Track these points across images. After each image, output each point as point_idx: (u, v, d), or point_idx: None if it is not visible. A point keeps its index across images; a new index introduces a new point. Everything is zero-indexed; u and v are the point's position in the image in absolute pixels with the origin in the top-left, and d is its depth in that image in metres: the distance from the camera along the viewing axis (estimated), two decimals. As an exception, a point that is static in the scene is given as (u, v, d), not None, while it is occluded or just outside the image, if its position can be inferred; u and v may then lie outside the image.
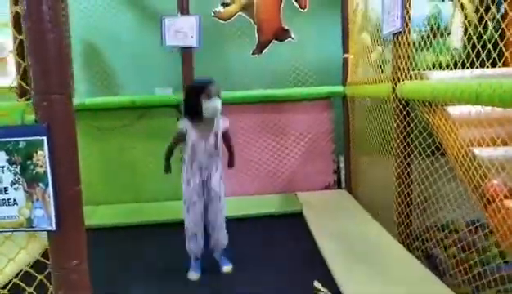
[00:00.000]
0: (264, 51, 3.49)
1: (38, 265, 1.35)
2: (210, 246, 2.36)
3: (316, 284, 2.08)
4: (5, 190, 1.07)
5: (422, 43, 2.51)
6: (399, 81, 2.28)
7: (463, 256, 2.04)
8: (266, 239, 2.82)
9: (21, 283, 1.29)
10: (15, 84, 3.05)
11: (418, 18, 3.18)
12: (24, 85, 2.50)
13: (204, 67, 3.65)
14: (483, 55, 1.75)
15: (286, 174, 3.67)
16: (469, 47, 1.86)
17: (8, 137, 1.06)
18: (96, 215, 3.17)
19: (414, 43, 2.53)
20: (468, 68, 1.96)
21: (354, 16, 3.36)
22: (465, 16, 3.45)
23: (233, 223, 2.77)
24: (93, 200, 3.32)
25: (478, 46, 1.75)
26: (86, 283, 1.14)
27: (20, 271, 1.38)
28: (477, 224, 2.02)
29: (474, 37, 1.80)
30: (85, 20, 3.65)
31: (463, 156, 1.76)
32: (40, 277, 1.21)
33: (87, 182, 1.18)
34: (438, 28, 2.88)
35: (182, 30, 3.41)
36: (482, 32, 2.11)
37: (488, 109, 1.83)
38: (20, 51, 2.82)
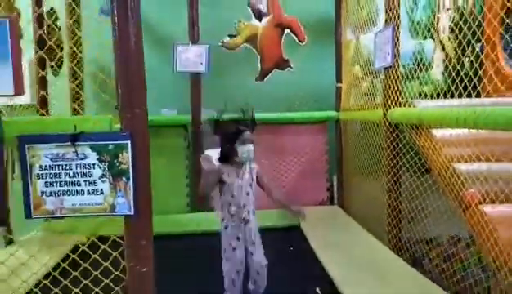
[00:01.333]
0: (266, 78, 3.86)
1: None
2: (249, 288, 2.22)
3: (318, 291, 2.35)
4: (94, 182, 1.37)
5: (409, 75, 2.89)
6: (390, 107, 2.65)
7: (445, 266, 2.36)
8: (268, 249, 3.09)
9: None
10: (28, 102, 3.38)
11: (404, 53, 3.60)
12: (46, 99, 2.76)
13: (212, 91, 4.00)
14: (461, 87, 2.13)
15: (284, 191, 3.99)
16: (449, 81, 2.24)
17: (99, 141, 1.36)
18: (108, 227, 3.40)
19: (402, 75, 2.91)
20: (448, 97, 2.32)
21: (346, 50, 3.76)
22: (446, 55, 3.88)
23: None
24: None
25: (457, 80, 2.13)
26: (150, 260, 1.43)
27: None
28: (458, 237, 2.35)
29: (453, 72, 2.19)
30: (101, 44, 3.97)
31: (445, 170, 2.11)
32: (115, 253, 1.49)
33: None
34: (422, 63, 3.29)
35: (193, 58, 3.76)
36: (459, 67, 2.51)
37: (466, 131, 2.21)
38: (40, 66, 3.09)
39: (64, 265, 1.90)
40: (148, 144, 1.43)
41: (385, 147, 2.71)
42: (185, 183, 3.97)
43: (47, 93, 3.29)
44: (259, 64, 3.83)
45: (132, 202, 1.37)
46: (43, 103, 3.29)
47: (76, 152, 1.36)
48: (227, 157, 2.11)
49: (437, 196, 2.36)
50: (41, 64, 3.06)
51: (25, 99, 3.70)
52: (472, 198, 1.92)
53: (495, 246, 1.74)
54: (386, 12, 2.63)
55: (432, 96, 3.15)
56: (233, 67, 4.02)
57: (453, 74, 2.15)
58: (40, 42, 2.82)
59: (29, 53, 3.14)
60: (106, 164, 1.36)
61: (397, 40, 2.59)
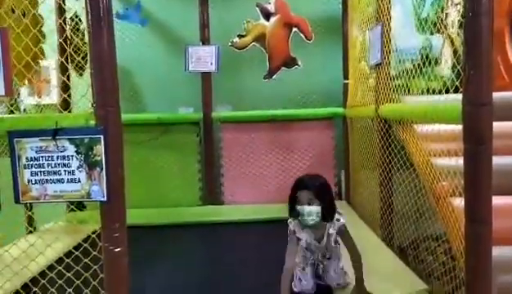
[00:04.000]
0: (274, 76, 3.98)
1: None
2: None
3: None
4: (73, 172, 1.56)
5: (416, 71, 2.93)
6: (381, 103, 2.72)
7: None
8: (275, 238, 3.23)
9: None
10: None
11: (411, 49, 3.62)
12: (68, 100, 3.00)
13: (222, 89, 4.18)
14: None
15: (291, 186, 4.09)
16: (454, 76, 2.27)
17: (76, 135, 1.55)
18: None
19: (408, 71, 2.96)
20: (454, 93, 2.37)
21: (353, 47, 3.82)
22: (454, 50, 3.86)
23: (245, 226, 3.23)
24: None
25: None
26: (124, 241, 1.61)
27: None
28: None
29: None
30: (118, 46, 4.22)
31: (423, 164, 2.18)
32: (93, 236, 1.68)
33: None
34: (428, 59, 3.31)
35: (203, 58, 3.94)
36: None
37: (446, 127, 2.26)
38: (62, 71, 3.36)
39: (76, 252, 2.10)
40: (121, 138, 1.60)
41: (377, 142, 2.78)
42: (197, 177, 4.16)
43: (69, 95, 3.57)
44: (267, 63, 3.96)
45: (104, 189, 1.55)
46: (65, 103, 3.57)
47: (57, 145, 1.55)
48: (294, 216, 1.99)
49: (423, 192, 2.42)
50: (62, 68, 3.33)
51: (50, 99, 4.01)
52: (442, 191, 1.98)
53: (460, 236, 1.80)
54: (377, 10, 2.70)
55: (440, 92, 3.18)
56: (243, 66, 4.17)
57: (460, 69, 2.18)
58: (62, 47, 3.08)
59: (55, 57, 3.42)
60: (83, 156, 1.55)
61: (388, 37, 2.65)
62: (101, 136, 1.54)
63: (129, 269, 1.63)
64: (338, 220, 2.00)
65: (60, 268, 1.99)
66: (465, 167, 1.54)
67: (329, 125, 4.11)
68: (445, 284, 2.13)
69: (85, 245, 1.93)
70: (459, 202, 1.92)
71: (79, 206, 3.85)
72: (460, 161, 1.96)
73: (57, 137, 1.54)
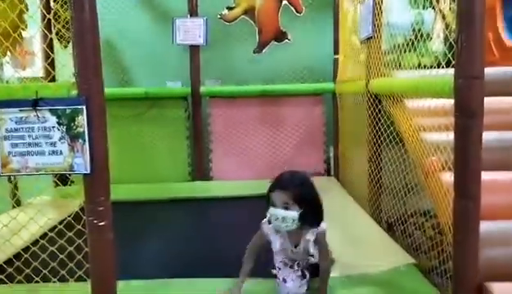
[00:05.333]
0: (264, 50, 3.92)
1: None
2: None
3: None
4: (54, 144, 1.51)
5: (408, 46, 2.88)
6: (371, 78, 2.68)
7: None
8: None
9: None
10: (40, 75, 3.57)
11: (403, 24, 3.56)
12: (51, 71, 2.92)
13: (211, 64, 4.10)
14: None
15: (281, 161, 4.07)
16: (446, 50, 2.23)
17: (58, 105, 1.49)
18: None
19: (399, 45, 2.91)
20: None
21: (344, 21, 3.75)
22: (446, 25, 3.82)
23: (234, 202, 3.21)
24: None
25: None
26: (109, 214, 1.58)
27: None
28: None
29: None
30: (103, 17, 4.09)
31: (413, 139, 2.16)
32: (76, 208, 1.65)
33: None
34: (420, 33, 3.26)
35: (191, 30, 3.85)
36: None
37: (437, 102, 2.24)
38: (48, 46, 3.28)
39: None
40: (104, 108, 1.54)
41: (366, 118, 2.76)
42: (185, 153, 4.12)
43: (53, 67, 3.48)
44: (257, 37, 3.89)
45: (88, 162, 1.51)
46: (48, 75, 3.48)
47: (37, 116, 1.50)
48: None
49: (411, 168, 2.42)
50: (44, 39, 3.24)
51: (33, 71, 3.90)
52: (431, 166, 1.97)
53: (448, 211, 1.79)
54: (369, -18, 2.63)
55: (431, 67, 3.15)
56: (232, 39, 4.08)
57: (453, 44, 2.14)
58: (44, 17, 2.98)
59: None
60: (64, 127, 1.50)
61: (380, 10, 2.60)
62: (83, 107, 1.48)
63: (116, 245, 1.60)
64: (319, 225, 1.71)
65: (43, 242, 1.97)
66: (455, 141, 1.53)
67: (319, 101, 4.07)
68: (432, 259, 2.14)
69: (69, 219, 1.91)
70: (448, 177, 1.91)
71: (67, 181, 3.81)
72: (450, 136, 1.95)
73: (38, 108, 1.49)
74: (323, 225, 1.72)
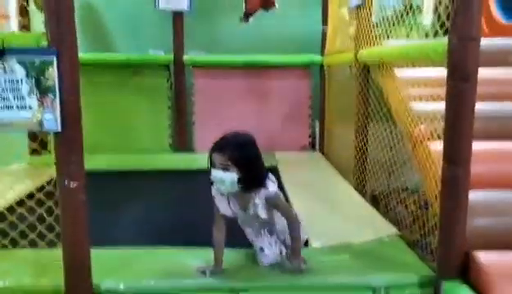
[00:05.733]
0: (251, 19, 3.79)
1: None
2: None
3: None
4: (23, 98, 1.40)
5: (396, 19, 2.80)
6: (361, 48, 2.60)
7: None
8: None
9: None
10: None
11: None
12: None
13: (195, 33, 3.96)
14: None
15: (265, 135, 3.96)
16: (438, 25, 2.15)
17: (27, 55, 1.38)
18: (88, 162, 3.48)
19: (387, 18, 2.83)
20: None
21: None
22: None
23: None
24: (86, 149, 3.62)
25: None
26: (81, 175, 1.48)
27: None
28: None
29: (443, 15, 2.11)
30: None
31: (401, 108, 2.11)
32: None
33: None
34: (411, 6, 3.18)
35: (175, -6, 3.70)
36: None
37: (428, 71, 2.19)
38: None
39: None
40: (76, 61, 1.43)
41: (354, 88, 2.69)
42: (167, 123, 4.01)
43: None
44: (243, 4, 3.75)
45: (58, 118, 1.40)
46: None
47: (4, 67, 1.38)
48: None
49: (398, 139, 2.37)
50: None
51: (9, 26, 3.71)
52: (419, 134, 1.92)
53: (437, 181, 1.75)
54: None
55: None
56: (217, 7, 3.95)
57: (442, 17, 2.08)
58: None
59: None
60: (33, 80, 1.39)
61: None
62: (54, 58, 1.37)
63: (92, 215, 1.52)
64: (265, 187, 1.61)
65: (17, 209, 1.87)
66: (448, 106, 1.47)
67: (305, 73, 3.99)
68: (415, 231, 2.11)
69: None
70: (436, 145, 1.86)
71: (45, 148, 3.66)
72: (439, 105, 1.90)
73: (4, 58, 1.37)
74: (271, 188, 1.62)
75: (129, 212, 2.62)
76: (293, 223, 1.67)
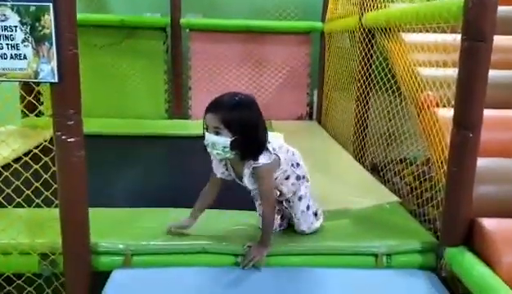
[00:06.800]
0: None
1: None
2: None
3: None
4: (17, 46, 1.33)
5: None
6: (366, 11, 2.52)
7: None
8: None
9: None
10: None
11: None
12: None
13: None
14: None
15: (262, 103, 3.84)
16: None
17: (20, 1, 1.29)
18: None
19: None
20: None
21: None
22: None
23: None
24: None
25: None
26: (80, 130, 1.42)
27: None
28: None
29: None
30: None
31: (408, 74, 2.05)
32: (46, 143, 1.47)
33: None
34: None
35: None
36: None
37: (434, 37, 2.12)
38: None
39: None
40: (74, 9, 1.35)
41: (357, 54, 2.62)
42: (163, 89, 3.92)
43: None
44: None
45: (55, 68, 1.33)
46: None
47: (-4, 12, 1.30)
48: None
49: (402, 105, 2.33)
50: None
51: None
52: (426, 100, 1.88)
53: (444, 148, 1.72)
54: None
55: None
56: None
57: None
58: None
59: None
60: (28, 27, 1.31)
61: None
62: (51, 4, 1.29)
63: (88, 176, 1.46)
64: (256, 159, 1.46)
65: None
66: (461, 66, 1.41)
67: (305, 40, 3.90)
68: (415, 198, 2.10)
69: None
70: (444, 112, 1.82)
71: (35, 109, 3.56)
72: (448, 71, 1.85)
73: (-4, 2, 1.29)
74: (262, 159, 1.46)
75: (123, 175, 2.55)
76: (266, 208, 1.52)
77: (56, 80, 1.34)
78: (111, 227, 1.68)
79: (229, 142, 1.42)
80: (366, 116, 2.63)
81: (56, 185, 1.46)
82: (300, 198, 1.66)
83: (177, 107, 3.93)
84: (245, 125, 1.43)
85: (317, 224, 1.69)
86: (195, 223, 1.65)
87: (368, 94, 2.61)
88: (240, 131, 1.42)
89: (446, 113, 1.81)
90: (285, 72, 3.92)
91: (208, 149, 1.48)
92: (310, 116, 4.00)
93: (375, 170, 2.53)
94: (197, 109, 3.93)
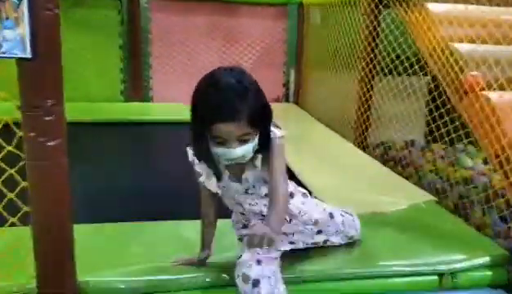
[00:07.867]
0: None
1: None
2: None
3: None
4: (-39, 1, 0.84)
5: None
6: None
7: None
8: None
9: None
10: None
11: None
12: None
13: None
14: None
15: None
16: None
17: None
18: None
19: None
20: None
21: None
22: None
23: (176, 127, 2.65)
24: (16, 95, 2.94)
25: None
26: (63, 129, 0.98)
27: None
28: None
29: None
30: None
31: (441, 51, 1.76)
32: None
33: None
34: None
35: None
36: None
37: (471, 8, 1.86)
38: None
39: None
40: None
41: (363, 28, 2.31)
42: (118, 67, 3.38)
43: None
44: None
45: (28, 38, 0.87)
46: None
47: None
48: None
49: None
50: None
51: None
52: (474, 82, 1.60)
53: (501, 137, 1.45)
54: None
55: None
56: None
57: None
58: None
59: None
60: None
61: None
62: None
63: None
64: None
65: None
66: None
67: (281, 13, 3.55)
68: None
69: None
70: (497, 96, 1.56)
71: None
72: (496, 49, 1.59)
73: None
74: (277, 132, 1.11)
75: (77, 165, 2.07)
76: (283, 185, 1.11)
77: (29, 55, 0.88)
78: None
79: (257, 141, 1.06)
80: (371, 97, 2.34)
81: (26, 208, 1.01)
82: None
83: (136, 88, 3.43)
84: (266, 111, 1.08)
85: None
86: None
87: (374, 75, 2.32)
88: (265, 124, 1.09)
89: (502, 99, 1.55)
90: (258, 48, 3.56)
91: (230, 163, 1.09)
92: (286, 98, 3.66)
93: (383, 156, 2.27)
94: (159, 90, 3.47)
